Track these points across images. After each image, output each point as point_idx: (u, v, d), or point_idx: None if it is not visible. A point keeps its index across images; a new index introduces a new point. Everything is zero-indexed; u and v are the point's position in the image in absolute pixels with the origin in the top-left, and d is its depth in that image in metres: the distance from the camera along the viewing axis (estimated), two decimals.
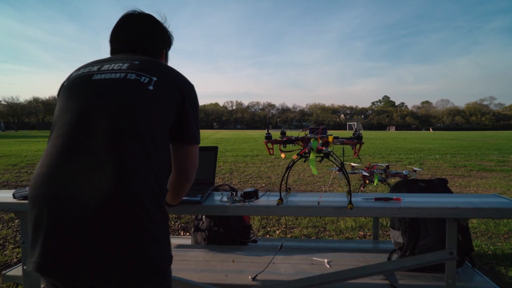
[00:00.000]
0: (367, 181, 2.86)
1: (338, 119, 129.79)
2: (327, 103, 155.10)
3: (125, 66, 1.07)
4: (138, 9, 1.28)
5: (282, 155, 1.47)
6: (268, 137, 1.49)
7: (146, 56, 1.18)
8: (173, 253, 2.22)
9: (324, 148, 1.41)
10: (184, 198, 1.54)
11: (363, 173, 2.74)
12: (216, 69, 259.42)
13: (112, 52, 1.25)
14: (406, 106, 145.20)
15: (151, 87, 1.03)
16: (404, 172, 2.75)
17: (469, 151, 13.55)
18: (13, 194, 1.63)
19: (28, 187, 1.67)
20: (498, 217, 1.42)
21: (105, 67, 1.08)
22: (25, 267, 1.67)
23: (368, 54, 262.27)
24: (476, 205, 1.42)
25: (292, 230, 3.57)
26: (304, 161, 1.43)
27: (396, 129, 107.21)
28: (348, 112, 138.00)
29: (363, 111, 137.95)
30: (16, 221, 3.84)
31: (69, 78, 1.10)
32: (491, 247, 3.02)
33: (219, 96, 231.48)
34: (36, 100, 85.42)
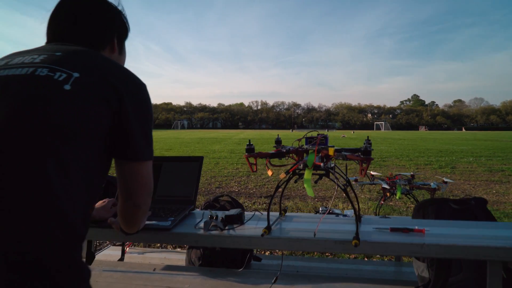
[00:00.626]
0: (388, 194, 2.48)
1: (365, 119, 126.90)
2: (354, 102, 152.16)
3: (39, 58, 0.79)
4: None
5: (269, 172, 1.15)
6: (250, 150, 1.17)
7: (84, 47, 0.90)
8: (158, 276, 1.95)
9: (322, 164, 1.08)
10: (150, 222, 1.26)
11: (383, 185, 2.37)
12: (242, 69, 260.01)
13: (46, 43, 0.97)
14: (436, 105, 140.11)
15: (67, 87, 0.74)
16: (432, 184, 2.35)
17: (507, 154, 12.60)
18: None
19: None
20: None
21: (15, 60, 0.80)
22: None
23: (397, 52, 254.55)
24: None
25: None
26: (295, 182, 1.11)
27: (428, 129, 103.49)
28: (376, 111, 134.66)
29: (391, 110, 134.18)
30: None
31: None
32: None
33: (245, 96, 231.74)
34: None
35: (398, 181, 2.48)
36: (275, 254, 2.96)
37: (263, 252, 2.97)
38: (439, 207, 1.57)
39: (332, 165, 1.18)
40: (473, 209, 1.52)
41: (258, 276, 1.92)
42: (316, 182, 1.12)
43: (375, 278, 1.93)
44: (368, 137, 1.32)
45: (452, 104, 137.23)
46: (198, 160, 1.60)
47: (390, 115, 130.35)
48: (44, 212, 0.65)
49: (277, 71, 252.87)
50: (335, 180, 1.10)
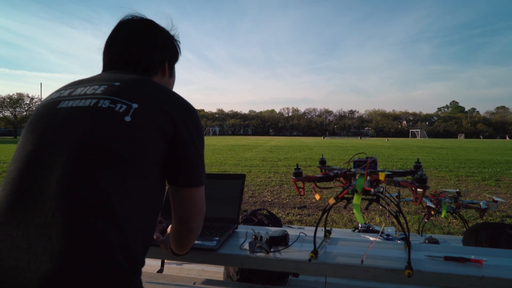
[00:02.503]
0: (432, 212, 2.38)
1: (399, 126, 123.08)
2: (388, 109, 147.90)
3: (100, 89, 0.83)
4: (138, 14, 1.04)
5: (317, 197, 1.13)
6: (297, 174, 1.16)
7: (137, 74, 0.93)
8: None
9: (372, 190, 1.05)
10: (196, 242, 1.28)
11: (428, 204, 2.27)
12: (274, 76, 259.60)
13: (103, 69, 1.02)
14: (477, 111, 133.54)
15: (128, 118, 0.77)
16: (481, 203, 2.23)
17: None
18: None
19: None
20: None
21: (78, 91, 0.85)
22: None
23: (435, 57, 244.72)
24: None
25: None
26: (345, 207, 1.08)
27: (466, 137, 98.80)
28: (411, 118, 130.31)
29: (427, 117, 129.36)
30: None
31: (41, 104, 0.89)
32: None
33: (276, 102, 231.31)
34: None
35: (443, 199, 2.37)
36: None
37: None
38: (494, 232, 1.48)
39: (381, 189, 1.15)
40: None
41: None
42: (366, 208, 1.09)
43: None
44: (418, 159, 1.27)
45: (494, 111, 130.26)
46: (241, 177, 1.61)
47: (427, 122, 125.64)
48: (108, 239, 0.68)
49: (310, 77, 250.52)
50: (387, 207, 1.07)
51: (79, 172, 0.70)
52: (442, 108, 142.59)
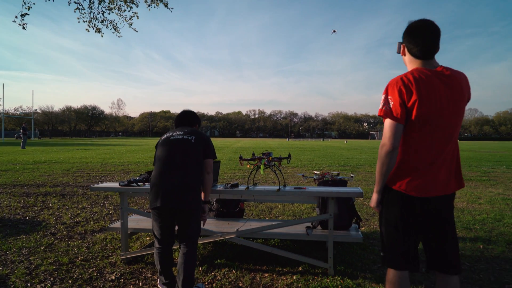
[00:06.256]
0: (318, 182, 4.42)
1: (361, 128, 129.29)
2: (351, 111, 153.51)
3: (182, 132, 2.75)
4: (188, 109, 2.97)
5: (247, 166, 3.08)
6: (240, 157, 3.12)
7: (190, 126, 2.86)
8: None
9: (266, 163, 3.02)
10: None
11: (314, 177, 4.31)
12: (242, 78, 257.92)
13: (176, 125, 2.93)
14: None
15: (193, 141, 2.69)
16: (339, 177, 4.30)
17: (469, 162, 14.58)
18: (119, 183, 3.33)
19: (121, 182, 3.35)
20: (341, 196, 2.98)
21: (175, 133, 2.76)
22: (121, 221, 3.35)
23: (396, 62, 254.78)
24: (336, 191, 2.99)
25: (277, 217, 5.14)
26: (256, 170, 3.05)
27: None
28: (372, 121, 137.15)
29: None
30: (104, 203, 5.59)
31: (162, 138, 2.78)
32: None
33: (243, 104, 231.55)
34: (68, 109, 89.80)
35: (326, 176, 4.42)
36: (257, 218, 4.87)
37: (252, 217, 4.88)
38: (325, 183, 3.53)
39: (273, 164, 3.12)
40: (338, 184, 3.48)
41: (246, 220, 3.85)
42: (265, 169, 3.06)
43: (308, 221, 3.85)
44: (289, 153, 3.26)
45: None
46: (218, 162, 3.55)
47: None
48: (197, 176, 2.59)
49: (277, 79, 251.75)
50: (272, 169, 3.05)
51: (184, 157, 2.60)
52: None
